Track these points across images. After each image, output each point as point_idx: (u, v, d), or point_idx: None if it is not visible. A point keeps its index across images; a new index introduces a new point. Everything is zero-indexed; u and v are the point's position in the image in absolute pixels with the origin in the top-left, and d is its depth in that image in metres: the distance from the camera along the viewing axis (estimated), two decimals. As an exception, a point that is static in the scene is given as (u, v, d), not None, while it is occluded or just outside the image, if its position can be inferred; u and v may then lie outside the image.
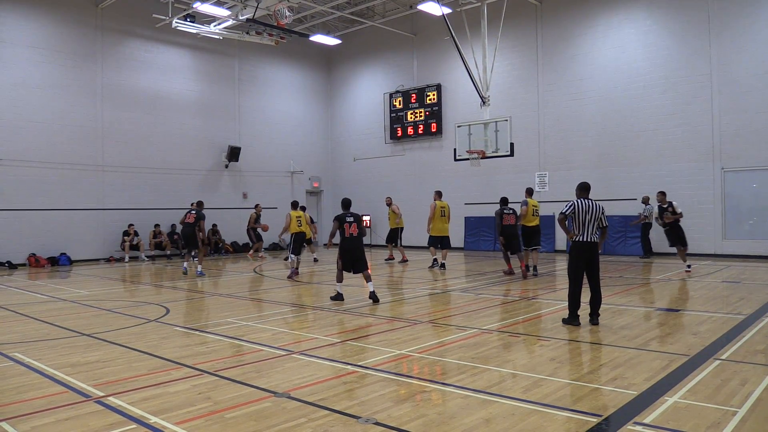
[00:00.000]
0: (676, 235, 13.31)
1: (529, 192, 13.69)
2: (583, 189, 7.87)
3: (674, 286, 11.03)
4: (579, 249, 7.52)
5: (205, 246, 16.04)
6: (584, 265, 7.50)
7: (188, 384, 5.10)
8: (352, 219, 9.80)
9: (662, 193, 13.78)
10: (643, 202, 16.80)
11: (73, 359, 6.11)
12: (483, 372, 5.33)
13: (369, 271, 9.95)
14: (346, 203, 10.20)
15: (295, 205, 15.33)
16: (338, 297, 9.82)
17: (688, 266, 13.15)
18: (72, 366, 5.79)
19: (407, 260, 16.91)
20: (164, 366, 5.73)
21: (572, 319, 7.44)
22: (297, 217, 14.44)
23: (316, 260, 18.08)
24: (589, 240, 7.47)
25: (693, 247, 16.34)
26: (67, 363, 5.91)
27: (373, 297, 9.64)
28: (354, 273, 9.92)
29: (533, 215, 13.02)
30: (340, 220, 9.78)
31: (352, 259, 9.75)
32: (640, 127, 17.82)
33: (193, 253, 15.99)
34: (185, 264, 15.32)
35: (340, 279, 9.94)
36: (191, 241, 14.57)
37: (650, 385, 4.81)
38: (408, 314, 8.55)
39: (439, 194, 15.38)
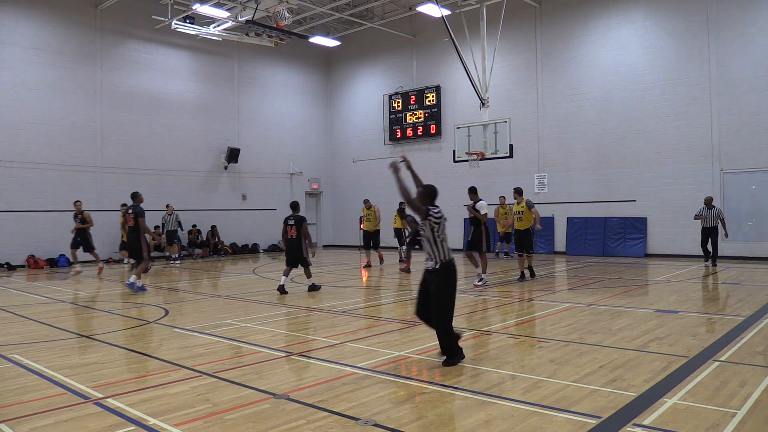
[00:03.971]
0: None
1: (496, 200, 15.16)
2: (432, 195, 5.86)
3: (673, 288, 11.03)
4: (454, 270, 5.73)
5: (149, 259, 12.01)
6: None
7: (187, 386, 5.09)
8: (293, 222, 11.09)
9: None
10: (705, 204, 14.86)
11: (72, 361, 6.10)
12: (482, 373, 5.33)
13: (308, 269, 11.31)
14: (293, 206, 11.41)
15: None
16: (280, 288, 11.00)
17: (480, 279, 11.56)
18: (71, 367, 5.79)
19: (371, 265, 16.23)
20: (163, 367, 5.72)
21: (458, 354, 5.68)
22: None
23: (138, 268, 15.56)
24: (452, 257, 5.80)
25: (693, 248, 16.37)
26: (66, 364, 5.91)
27: (312, 287, 11.18)
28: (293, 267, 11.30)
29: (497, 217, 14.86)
30: (284, 222, 11.29)
31: (289, 256, 11.20)
32: (639, 128, 17.84)
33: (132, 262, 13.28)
34: (132, 279, 11.39)
35: (285, 273, 11.25)
36: (136, 248, 11.50)
37: (649, 386, 4.81)
38: (407, 315, 8.54)
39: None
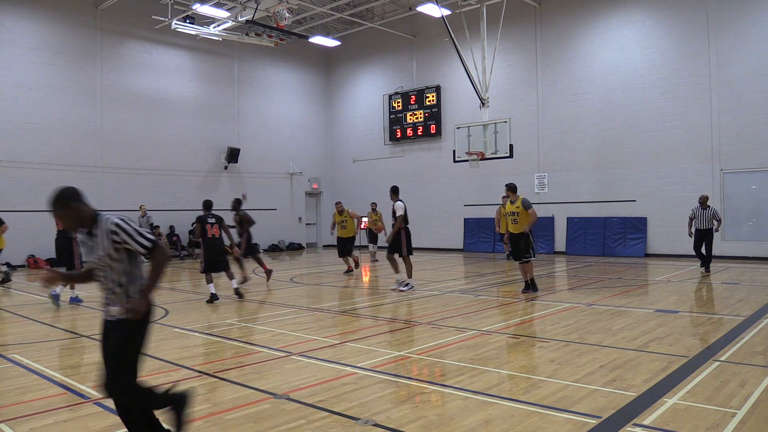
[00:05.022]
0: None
1: None
2: (78, 196, 3.44)
3: (673, 288, 11.04)
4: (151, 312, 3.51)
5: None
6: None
7: (187, 385, 5.08)
8: (213, 221, 10.40)
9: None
10: (699, 203, 13.24)
11: (72, 361, 6.11)
12: (482, 373, 5.33)
13: (230, 270, 10.62)
14: (207, 204, 10.67)
15: None
16: (213, 298, 10.07)
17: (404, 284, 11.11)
18: (71, 367, 5.79)
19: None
20: (163, 367, 5.72)
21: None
22: None
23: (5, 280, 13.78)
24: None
25: (692, 248, 16.35)
26: (66, 364, 5.91)
27: (237, 293, 10.33)
28: (215, 272, 10.49)
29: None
30: (201, 222, 10.39)
31: (213, 259, 10.34)
32: (639, 128, 17.84)
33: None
34: (57, 290, 10.02)
35: (208, 281, 10.31)
36: (66, 256, 10.48)
37: (649, 386, 4.81)
38: (407, 315, 8.55)
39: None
